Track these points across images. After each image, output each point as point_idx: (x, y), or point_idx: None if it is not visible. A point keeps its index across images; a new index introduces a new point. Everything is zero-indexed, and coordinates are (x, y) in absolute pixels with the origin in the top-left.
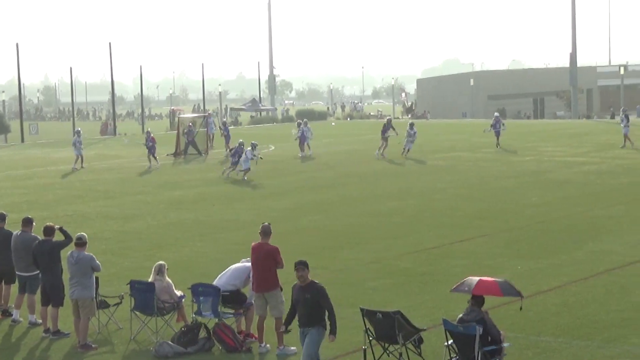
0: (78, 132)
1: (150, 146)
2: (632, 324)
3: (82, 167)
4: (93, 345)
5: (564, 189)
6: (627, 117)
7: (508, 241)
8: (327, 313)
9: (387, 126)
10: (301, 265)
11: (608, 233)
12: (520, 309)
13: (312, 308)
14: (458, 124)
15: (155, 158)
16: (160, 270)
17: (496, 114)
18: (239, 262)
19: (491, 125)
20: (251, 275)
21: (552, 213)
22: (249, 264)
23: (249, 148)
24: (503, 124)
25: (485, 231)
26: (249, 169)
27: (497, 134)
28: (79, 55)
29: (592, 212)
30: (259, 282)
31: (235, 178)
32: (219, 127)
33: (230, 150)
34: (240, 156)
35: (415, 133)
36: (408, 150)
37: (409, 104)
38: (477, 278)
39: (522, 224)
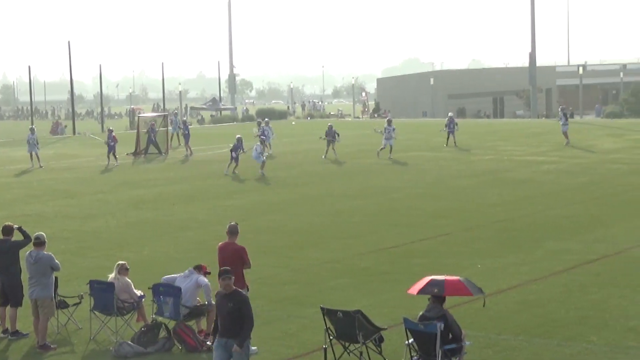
0: (32, 129)
1: (112, 145)
2: (591, 322)
3: (40, 166)
4: (52, 346)
5: (523, 188)
6: (565, 115)
7: (468, 240)
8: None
9: (329, 132)
10: (228, 274)
11: (567, 232)
12: (484, 305)
13: (234, 317)
14: (418, 123)
15: (115, 157)
16: (120, 270)
17: (450, 113)
18: (186, 270)
19: (445, 125)
20: (207, 289)
21: (511, 212)
22: (193, 276)
23: (259, 143)
24: (456, 124)
25: (445, 230)
26: (264, 161)
27: (451, 133)
28: (37, 54)
29: (551, 211)
30: None
31: (235, 174)
32: (179, 126)
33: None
34: (238, 152)
35: (394, 130)
36: (383, 148)
37: (370, 103)
38: (442, 277)
39: (481, 222)
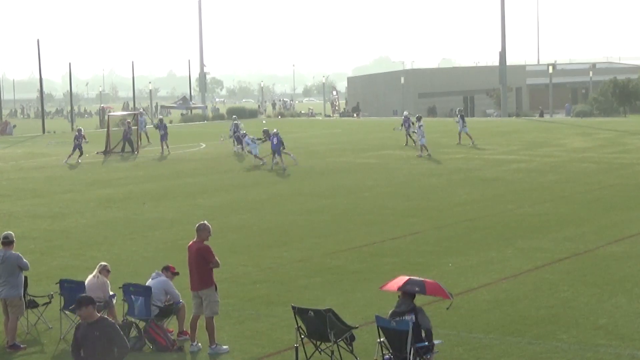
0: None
1: (78, 144)
2: (560, 320)
3: None
4: (22, 346)
5: (493, 186)
6: (462, 117)
7: (438, 239)
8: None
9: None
10: (84, 303)
11: (536, 230)
12: (448, 308)
13: (104, 348)
14: (388, 122)
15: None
16: (101, 270)
17: (405, 112)
18: (153, 272)
19: (401, 124)
20: (167, 286)
21: (481, 210)
22: (159, 278)
23: (244, 131)
24: (413, 124)
25: (415, 229)
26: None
27: (407, 132)
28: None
29: (521, 210)
30: (194, 281)
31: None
32: (155, 125)
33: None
34: (241, 141)
35: (421, 127)
36: (422, 145)
37: (341, 102)
38: (421, 279)
39: (451, 221)
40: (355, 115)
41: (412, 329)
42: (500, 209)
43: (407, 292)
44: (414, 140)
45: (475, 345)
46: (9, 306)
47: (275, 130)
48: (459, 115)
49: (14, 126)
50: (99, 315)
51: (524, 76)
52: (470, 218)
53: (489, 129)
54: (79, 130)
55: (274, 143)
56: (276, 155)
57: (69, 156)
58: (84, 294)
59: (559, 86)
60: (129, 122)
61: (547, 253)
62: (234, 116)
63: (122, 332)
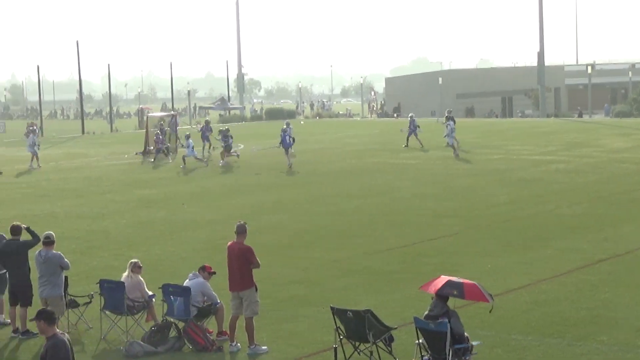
0: (33, 130)
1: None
2: (601, 321)
3: (38, 166)
4: None
5: (532, 187)
6: (452, 119)
7: (476, 239)
8: None
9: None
10: (38, 317)
11: (575, 231)
12: (490, 311)
13: None
14: (427, 123)
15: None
16: (133, 268)
17: (411, 114)
18: (190, 273)
19: (409, 126)
20: (204, 288)
21: (519, 211)
22: (196, 279)
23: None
24: (418, 126)
25: (453, 229)
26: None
27: (413, 133)
28: (46, 54)
29: (560, 210)
30: (234, 282)
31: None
32: (198, 130)
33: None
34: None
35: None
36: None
37: (379, 102)
38: (460, 280)
39: (490, 222)
40: (395, 115)
41: (450, 331)
42: (539, 209)
43: (442, 295)
44: (419, 142)
45: (515, 347)
46: (50, 306)
47: (284, 127)
48: (444, 117)
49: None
50: (54, 331)
51: (563, 76)
52: (508, 219)
53: (527, 130)
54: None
55: (286, 141)
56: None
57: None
58: (42, 308)
59: (597, 86)
60: (162, 124)
61: (586, 254)
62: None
63: (61, 354)
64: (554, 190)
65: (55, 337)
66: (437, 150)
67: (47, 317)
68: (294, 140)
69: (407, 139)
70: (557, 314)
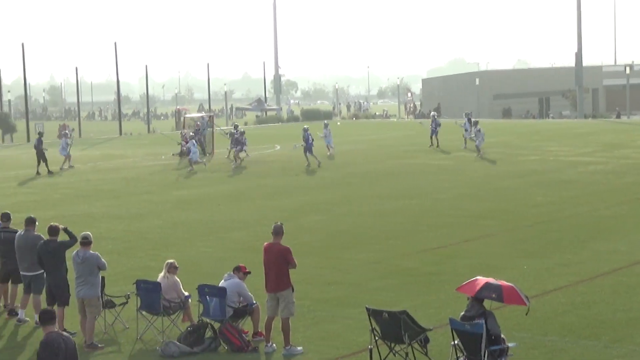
0: (66, 133)
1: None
2: (638, 323)
3: (69, 167)
4: (99, 345)
5: (569, 188)
6: (469, 121)
7: (513, 241)
8: None
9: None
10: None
11: (613, 232)
12: (527, 314)
13: None
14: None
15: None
16: (169, 268)
17: (432, 113)
18: (226, 274)
19: (430, 125)
20: (240, 288)
21: (556, 212)
22: (232, 280)
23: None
24: (439, 124)
25: (490, 231)
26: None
27: (433, 134)
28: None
29: (598, 212)
30: (271, 283)
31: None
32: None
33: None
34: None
35: (479, 130)
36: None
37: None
38: (497, 282)
39: (527, 223)
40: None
41: (485, 332)
42: (576, 210)
43: (480, 298)
44: (437, 142)
45: (551, 349)
46: (87, 306)
47: (306, 126)
48: (466, 119)
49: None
50: (48, 330)
51: (601, 77)
52: (545, 220)
53: (565, 131)
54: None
55: (309, 142)
56: (308, 153)
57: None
58: (44, 308)
59: (636, 87)
60: (198, 124)
61: (624, 256)
62: (325, 121)
63: (46, 351)
64: (591, 192)
65: (47, 335)
66: (475, 151)
67: (39, 317)
68: (312, 140)
69: (431, 139)
70: (594, 316)
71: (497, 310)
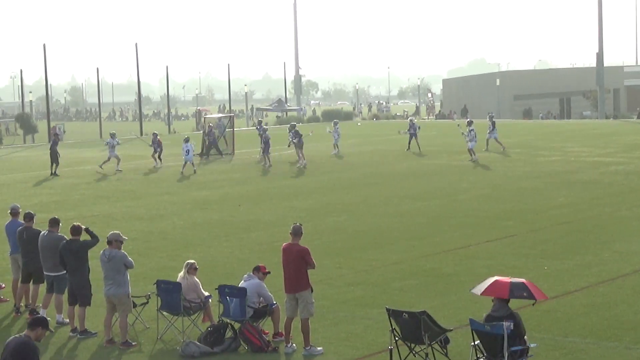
0: (112, 134)
1: (156, 147)
2: None
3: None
4: (133, 343)
5: (591, 189)
6: (493, 123)
7: (534, 242)
8: None
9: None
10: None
11: (634, 233)
12: (533, 304)
13: None
14: (484, 124)
15: (160, 159)
16: (189, 269)
17: (410, 117)
18: (245, 274)
19: (407, 129)
20: (260, 288)
21: (578, 213)
22: (252, 280)
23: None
24: (418, 127)
25: (510, 232)
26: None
27: (413, 136)
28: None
29: (619, 213)
30: (290, 283)
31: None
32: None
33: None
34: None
35: (472, 131)
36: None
37: (436, 104)
38: (520, 280)
39: (547, 224)
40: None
41: (506, 333)
42: (597, 211)
43: (512, 298)
44: (418, 145)
45: (572, 350)
46: (117, 304)
47: (293, 123)
48: (490, 121)
49: (64, 132)
50: (28, 334)
51: (622, 77)
52: (566, 221)
53: (586, 131)
54: (154, 134)
55: (300, 139)
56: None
57: (156, 157)
58: (37, 315)
59: None
60: (211, 126)
61: None
62: (335, 120)
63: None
64: (613, 192)
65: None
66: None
67: (31, 320)
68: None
69: (409, 143)
70: (615, 317)
71: (517, 311)
